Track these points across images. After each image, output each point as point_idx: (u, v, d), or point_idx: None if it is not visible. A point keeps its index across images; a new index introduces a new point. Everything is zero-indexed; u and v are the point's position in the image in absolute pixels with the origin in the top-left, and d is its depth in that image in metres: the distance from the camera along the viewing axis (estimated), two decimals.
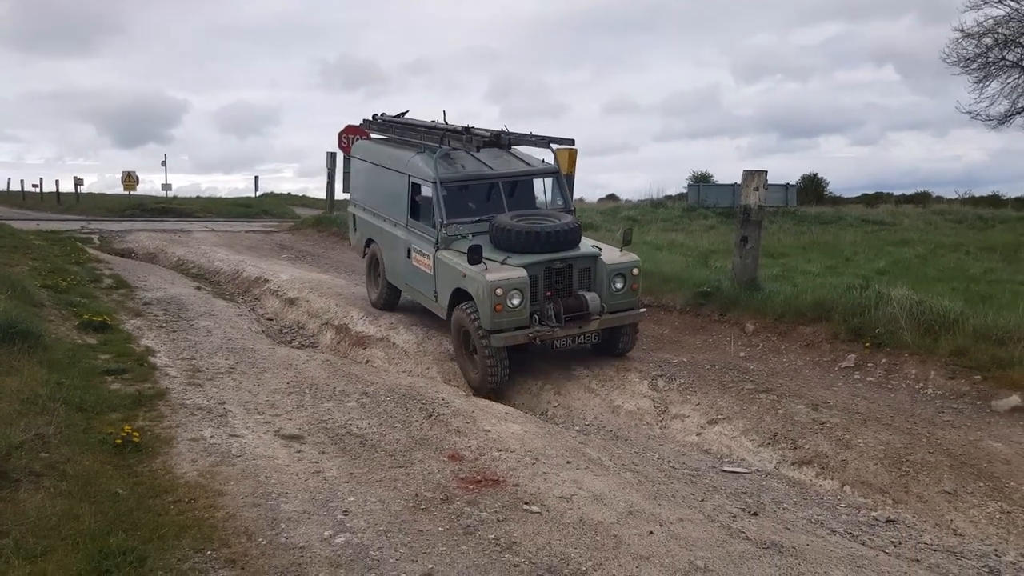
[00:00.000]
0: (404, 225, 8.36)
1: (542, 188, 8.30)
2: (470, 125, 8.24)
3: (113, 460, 4.51)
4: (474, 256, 6.83)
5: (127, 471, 4.42)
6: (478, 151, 7.75)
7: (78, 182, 28.14)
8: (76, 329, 7.65)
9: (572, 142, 8.06)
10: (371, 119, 9.95)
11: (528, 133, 8.15)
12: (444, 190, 7.64)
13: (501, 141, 7.95)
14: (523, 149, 8.52)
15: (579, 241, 7.36)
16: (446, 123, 8.72)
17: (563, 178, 8.39)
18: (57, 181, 28.17)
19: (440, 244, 7.59)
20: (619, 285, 7.26)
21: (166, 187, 30.08)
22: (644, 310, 7.63)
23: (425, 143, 8.35)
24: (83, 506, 3.78)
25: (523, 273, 6.86)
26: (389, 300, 9.21)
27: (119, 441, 4.70)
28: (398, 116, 9.64)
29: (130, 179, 26.94)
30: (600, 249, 7.44)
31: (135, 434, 4.84)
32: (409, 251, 8.22)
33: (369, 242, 9.49)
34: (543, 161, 8.45)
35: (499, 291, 6.69)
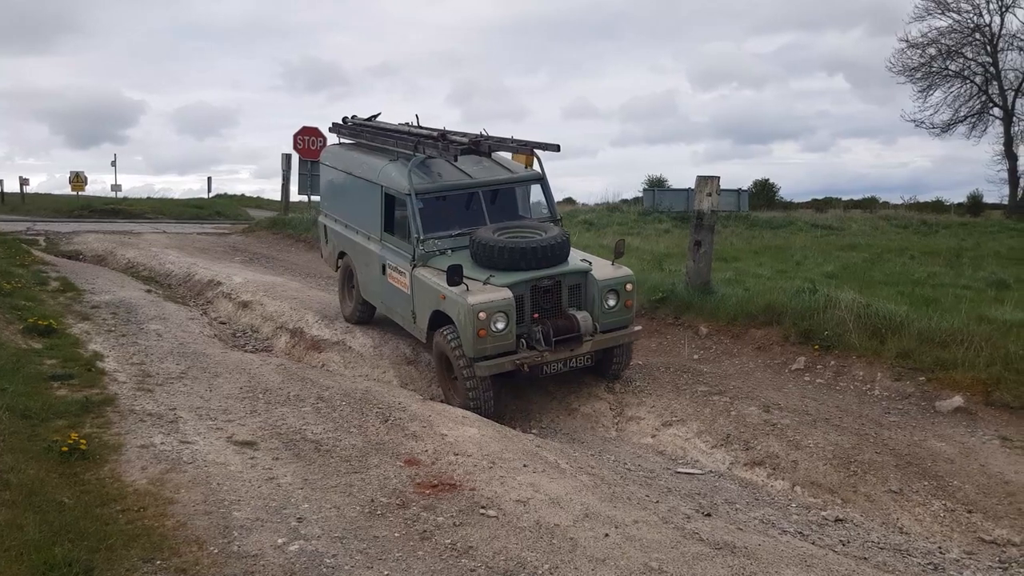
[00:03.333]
0: (378, 239, 7.78)
1: (524, 196, 7.78)
2: (445, 128, 7.75)
3: (59, 468, 4.40)
4: (454, 277, 6.20)
5: (74, 479, 4.31)
6: (456, 160, 7.24)
7: (23, 182, 27.29)
8: (20, 333, 7.43)
9: (557, 147, 7.48)
10: (341, 122, 9.40)
11: (509, 138, 7.59)
12: (420, 202, 7.09)
13: (480, 148, 7.30)
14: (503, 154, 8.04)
15: (568, 255, 6.80)
16: (419, 126, 8.21)
17: (548, 185, 7.83)
18: (1, 180, 27.20)
19: (417, 261, 7.00)
20: (612, 302, 6.70)
21: (116, 188, 29.38)
22: (639, 328, 7.08)
23: (399, 150, 7.81)
24: (27, 516, 3.67)
25: (508, 294, 6.30)
26: (364, 314, 8.65)
27: (65, 449, 4.58)
28: (370, 119, 9.15)
29: (78, 179, 26.26)
30: (590, 263, 6.88)
31: (82, 441, 4.72)
32: (384, 267, 7.62)
33: (342, 255, 8.91)
34: (526, 167, 7.95)
35: (482, 315, 6.15)
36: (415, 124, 8.62)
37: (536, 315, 6.55)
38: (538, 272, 6.54)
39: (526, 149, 7.51)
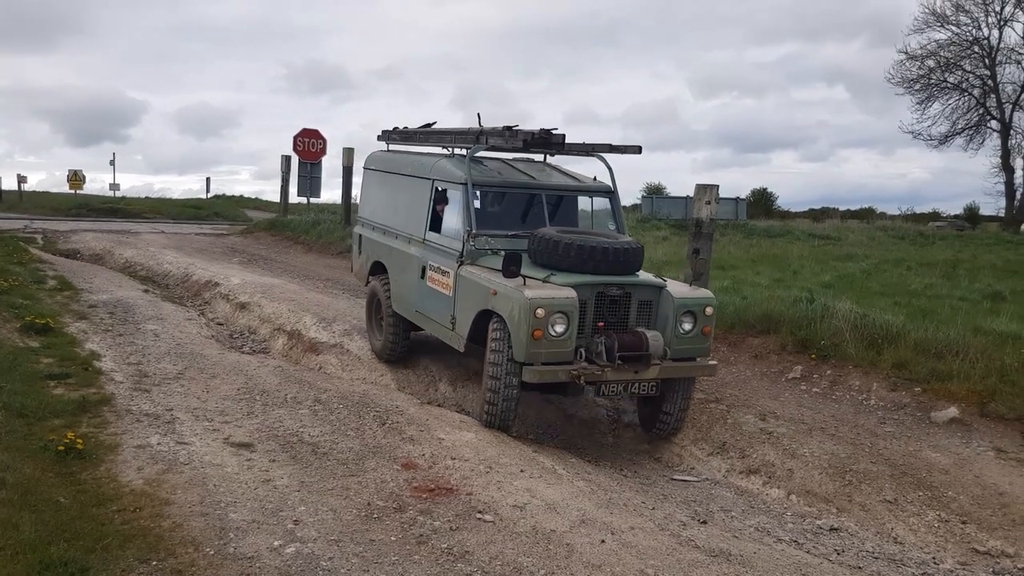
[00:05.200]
0: (421, 240, 7.10)
1: (588, 210, 7.18)
2: (514, 125, 6.80)
3: (55, 468, 4.40)
4: (511, 267, 5.49)
5: (70, 479, 4.31)
6: (524, 148, 6.52)
7: (22, 179, 27.26)
8: (17, 332, 7.42)
9: (639, 149, 6.75)
10: (391, 131, 8.65)
11: (582, 142, 6.89)
12: (476, 195, 6.53)
13: (552, 139, 6.46)
14: (560, 166, 7.50)
15: (640, 266, 6.13)
16: (481, 127, 7.44)
17: (618, 200, 7.16)
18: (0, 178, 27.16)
19: (465, 258, 6.32)
20: (688, 326, 5.87)
21: (114, 187, 29.37)
22: (715, 363, 6.29)
23: (456, 146, 7.18)
24: (23, 515, 3.67)
25: (572, 294, 5.53)
26: (396, 344, 7.66)
27: (62, 448, 4.57)
28: (424, 127, 8.35)
29: (76, 178, 26.22)
30: (665, 281, 6.14)
31: (78, 441, 4.71)
32: (424, 270, 6.90)
33: (375, 268, 8.10)
34: (595, 179, 7.28)
35: (540, 312, 5.36)
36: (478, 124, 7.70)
37: (600, 325, 5.77)
38: (606, 278, 5.80)
39: (603, 148, 6.80)
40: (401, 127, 8.66)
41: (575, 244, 5.80)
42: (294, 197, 21.79)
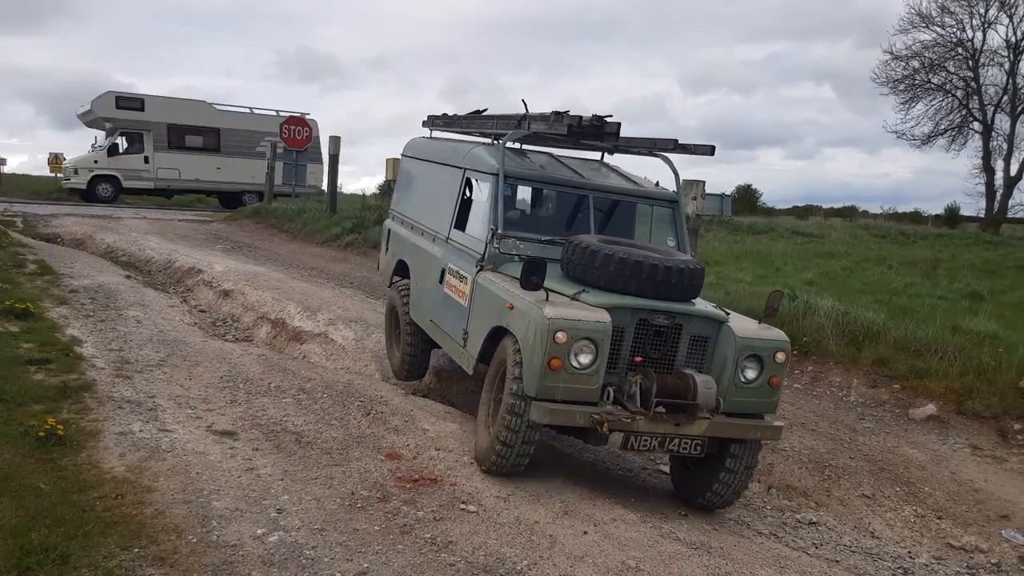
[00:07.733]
0: (444, 238, 6.07)
1: (647, 221, 6.03)
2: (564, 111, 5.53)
3: (35, 454, 4.36)
4: (532, 277, 4.36)
5: (50, 465, 4.27)
6: (570, 137, 5.39)
7: (1, 162, 26.93)
8: None
9: (711, 150, 5.70)
10: (436, 116, 7.70)
11: (641, 137, 5.98)
12: (508, 188, 5.51)
13: (605, 128, 5.24)
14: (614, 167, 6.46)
15: (698, 292, 4.84)
16: (526, 112, 6.35)
17: (682, 212, 5.99)
18: None
19: (486, 262, 5.27)
20: (751, 374, 4.55)
21: None
22: (782, 424, 4.89)
23: (500, 132, 6.02)
24: (3, 501, 3.65)
25: (605, 318, 4.36)
26: (414, 360, 6.69)
27: (42, 434, 4.53)
28: (473, 113, 7.09)
29: (56, 161, 25.92)
30: (728, 314, 4.86)
31: (59, 427, 4.67)
32: (443, 273, 5.89)
33: (399, 267, 7.14)
34: (657, 184, 6.16)
35: (560, 336, 4.22)
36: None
37: (638, 359, 4.58)
38: (653, 302, 4.58)
39: (667, 146, 5.76)
40: (448, 113, 7.66)
41: (616, 256, 4.62)
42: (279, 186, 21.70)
